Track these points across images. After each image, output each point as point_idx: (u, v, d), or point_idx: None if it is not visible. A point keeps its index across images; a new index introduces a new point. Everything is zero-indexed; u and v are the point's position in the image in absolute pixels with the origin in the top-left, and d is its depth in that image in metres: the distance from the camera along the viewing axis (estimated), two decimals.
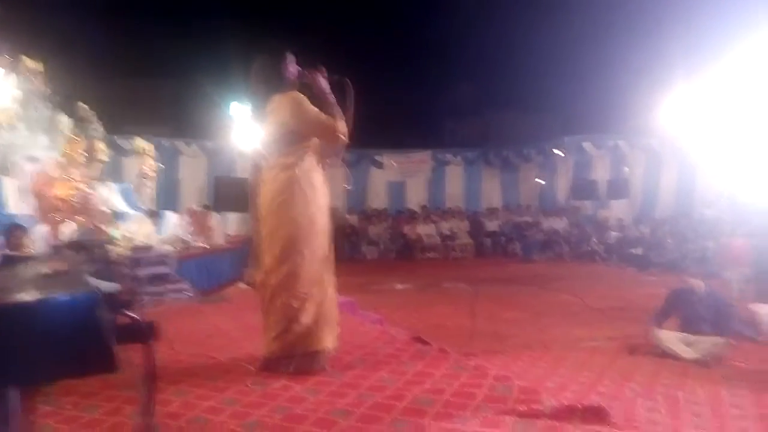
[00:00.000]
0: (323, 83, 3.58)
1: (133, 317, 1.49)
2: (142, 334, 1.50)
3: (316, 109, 3.47)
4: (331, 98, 3.55)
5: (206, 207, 11.19)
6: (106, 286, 5.44)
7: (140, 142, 11.40)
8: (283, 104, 3.47)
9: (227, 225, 11.50)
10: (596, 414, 2.63)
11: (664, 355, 5.07)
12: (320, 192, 3.57)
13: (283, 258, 3.44)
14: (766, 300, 5.99)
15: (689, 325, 5.15)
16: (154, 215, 9.25)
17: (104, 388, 3.06)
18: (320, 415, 2.74)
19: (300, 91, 3.56)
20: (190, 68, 18.05)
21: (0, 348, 1.21)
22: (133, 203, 9.93)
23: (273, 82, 3.56)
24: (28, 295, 1.33)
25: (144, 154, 11.23)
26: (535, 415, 2.60)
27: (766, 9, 6.43)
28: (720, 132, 10.47)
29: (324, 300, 3.51)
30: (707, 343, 4.95)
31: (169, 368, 3.66)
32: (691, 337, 5.07)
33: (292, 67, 3.59)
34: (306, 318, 3.41)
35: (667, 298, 5.47)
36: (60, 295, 1.31)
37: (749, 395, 4.18)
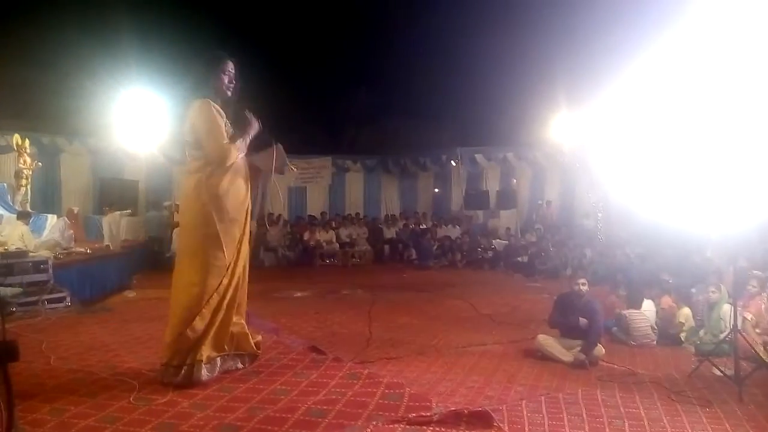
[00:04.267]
0: (255, 127, 3.68)
1: None
2: None
3: (220, 128, 3.47)
4: (248, 139, 3.66)
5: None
6: None
7: (16, 138, 10.49)
8: (194, 109, 3.50)
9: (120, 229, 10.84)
10: (481, 419, 2.75)
11: (545, 358, 5.41)
12: (224, 201, 3.50)
13: (185, 262, 3.50)
14: (638, 307, 6.53)
15: (567, 331, 5.53)
16: (31, 217, 8.57)
17: None
18: None
19: (231, 106, 3.61)
20: (73, 57, 16.69)
21: None
22: (7, 204, 9.22)
23: (198, 86, 3.58)
24: None
25: (20, 152, 10.37)
26: (424, 422, 2.67)
27: (645, 35, 7.05)
28: (597, 148, 11.33)
29: (221, 309, 3.45)
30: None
31: (45, 384, 3.41)
32: (569, 342, 5.44)
33: (227, 79, 3.60)
34: (200, 324, 3.35)
35: (556, 303, 5.84)
36: None
37: (620, 395, 4.55)
